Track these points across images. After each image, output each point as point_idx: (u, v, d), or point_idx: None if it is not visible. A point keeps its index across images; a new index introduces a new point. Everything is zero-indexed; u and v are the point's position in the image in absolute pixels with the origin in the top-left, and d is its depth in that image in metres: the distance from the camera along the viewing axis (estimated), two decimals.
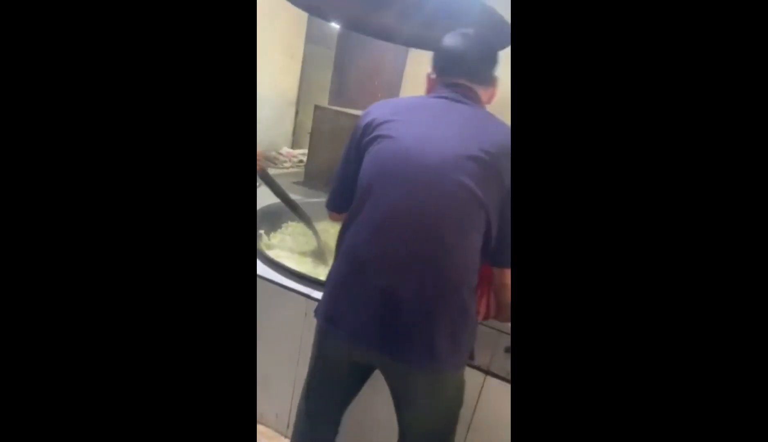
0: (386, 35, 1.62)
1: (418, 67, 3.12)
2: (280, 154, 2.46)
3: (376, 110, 0.81)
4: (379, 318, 0.72)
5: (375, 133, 0.78)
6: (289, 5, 1.58)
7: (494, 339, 1.09)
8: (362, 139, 0.80)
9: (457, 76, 0.82)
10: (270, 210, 1.58)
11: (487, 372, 1.01)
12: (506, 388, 1.00)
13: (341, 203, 0.85)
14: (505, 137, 0.75)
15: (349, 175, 0.81)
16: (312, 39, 2.84)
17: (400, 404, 0.84)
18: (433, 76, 0.86)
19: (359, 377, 0.88)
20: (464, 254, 0.74)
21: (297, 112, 2.86)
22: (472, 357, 0.82)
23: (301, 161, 2.40)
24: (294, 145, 2.79)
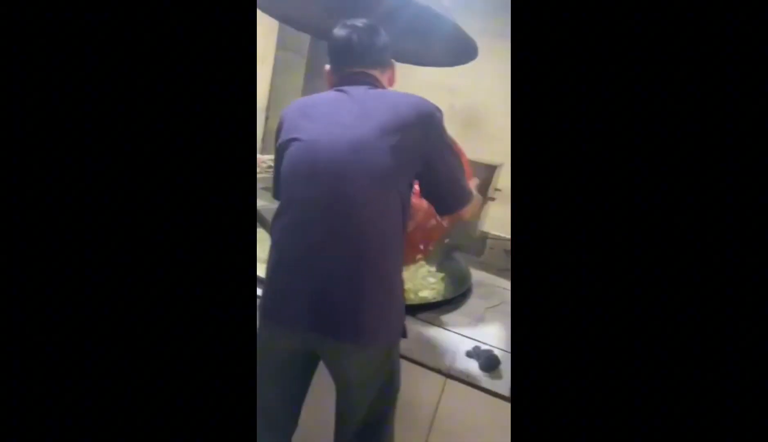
0: None
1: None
2: None
3: (287, 113, 0.88)
4: (309, 304, 0.79)
5: (286, 136, 0.84)
6: (261, 13, 1.59)
7: (455, 343, 1.14)
8: (278, 141, 0.87)
9: (349, 64, 0.88)
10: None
11: (448, 375, 1.05)
12: (468, 391, 1.04)
13: (277, 195, 0.93)
14: (404, 100, 0.82)
15: (279, 172, 0.89)
16: (283, 45, 2.84)
17: (338, 386, 0.89)
18: (328, 67, 0.92)
19: (305, 367, 0.92)
20: (384, 235, 0.79)
21: (267, 118, 2.84)
22: (404, 335, 0.88)
23: (270, 167, 2.38)
24: (263, 150, 2.77)
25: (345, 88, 0.85)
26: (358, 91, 0.84)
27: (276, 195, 0.93)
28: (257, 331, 0.88)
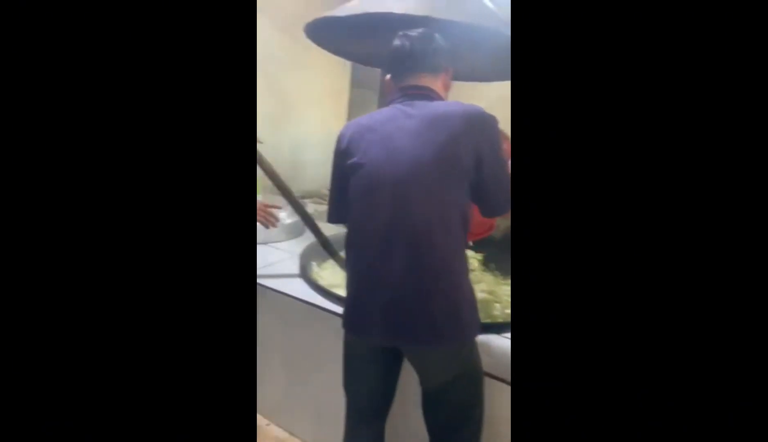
0: None
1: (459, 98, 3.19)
2: (328, 191, 2.59)
3: (345, 134, 0.93)
4: (385, 313, 0.85)
5: (347, 160, 0.90)
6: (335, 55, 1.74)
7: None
8: (342, 164, 0.92)
9: (406, 72, 0.92)
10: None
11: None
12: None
13: (338, 216, 0.99)
14: (457, 111, 0.85)
15: (341, 194, 0.94)
16: (357, 83, 3.04)
17: (421, 381, 0.94)
18: (387, 77, 0.96)
19: (389, 364, 0.98)
20: (449, 244, 0.85)
21: None
22: (479, 332, 0.92)
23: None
24: None
25: (403, 103, 0.90)
26: (415, 107, 0.88)
27: (336, 217, 1.00)
28: (343, 345, 0.97)
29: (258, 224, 1.30)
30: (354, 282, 0.92)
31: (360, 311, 0.90)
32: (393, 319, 0.84)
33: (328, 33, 1.53)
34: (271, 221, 1.32)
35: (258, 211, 1.26)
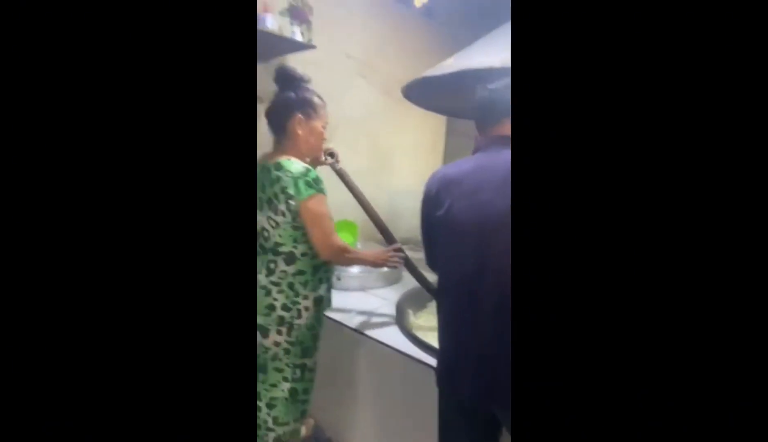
0: None
1: None
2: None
3: (434, 187, 0.94)
4: (479, 375, 0.83)
5: (438, 213, 0.91)
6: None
7: None
8: (430, 215, 0.94)
9: (490, 122, 0.94)
10: (416, 291, 1.70)
11: None
12: None
13: (430, 262, 1.02)
14: None
15: (430, 242, 0.97)
16: (452, 132, 3.12)
17: None
18: (476, 133, 0.98)
19: (485, 429, 0.93)
20: None
21: None
22: None
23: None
24: None
25: (487, 152, 0.92)
26: (501, 156, 0.88)
27: (430, 264, 1.03)
28: (438, 400, 0.96)
29: (389, 267, 1.40)
30: (444, 334, 0.91)
31: (451, 367, 0.89)
32: (485, 379, 0.82)
33: (423, 91, 1.63)
34: (400, 262, 1.38)
35: (387, 256, 1.35)
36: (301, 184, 1.13)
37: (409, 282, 1.79)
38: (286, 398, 1.22)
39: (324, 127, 1.26)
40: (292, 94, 1.21)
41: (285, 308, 1.18)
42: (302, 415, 1.28)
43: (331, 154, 1.39)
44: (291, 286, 1.18)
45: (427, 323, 1.54)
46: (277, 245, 1.17)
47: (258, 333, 1.19)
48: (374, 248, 1.48)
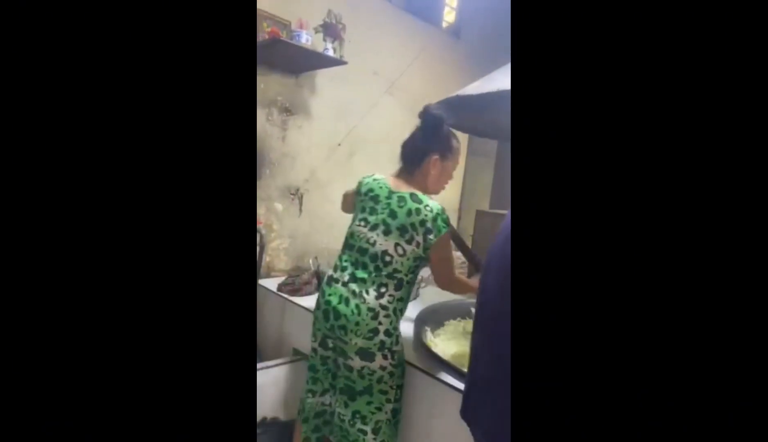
0: None
1: None
2: None
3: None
4: (498, 413, 0.76)
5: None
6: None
7: None
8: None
9: None
10: (434, 309, 1.69)
11: None
12: None
13: None
14: None
15: None
16: (473, 152, 3.14)
17: None
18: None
19: None
20: None
21: (459, 217, 3.08)
22: None
23: (463, 262, 2.51)
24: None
25: None
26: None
27: None
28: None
29: None
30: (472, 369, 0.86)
31: (466, 397, 0.86)
32: (486, 416, 0.78)
33: (448, 110, 1.66)
34: None
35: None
36: (440, 221, 1.20)
37: (428, 300, 1.79)
38: (389, 420, 1.23)
39: (454, 168, 1.34)
40: (434, 135, 1.28)
41: (387, 333, 1.19)
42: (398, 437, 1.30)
43: None
44: (395, 311, 1.21)
45: (443, 342, 1.53)
46: (396, 271, 1.20)
47: (358, 358, 1.18)
48: None
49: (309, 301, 1.78)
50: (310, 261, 2.00)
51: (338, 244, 1.34)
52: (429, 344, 1.42)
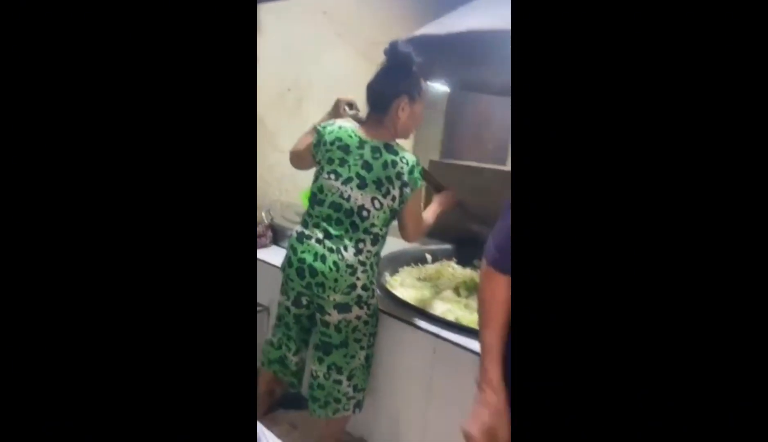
0: (485, 88, 1.76)
1: None
2: None
3: None
4: None
5: None
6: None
7: None
8: None
9: None
10: (392, 255, 1.74)
11: None
12: None
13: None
14: None
15: None
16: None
17: None
18: None
19: None
20: None
21: None
22: None
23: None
24: None
25: None
26: None
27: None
28: None
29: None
30: None
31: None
32: None
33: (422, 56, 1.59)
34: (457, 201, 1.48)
35: (451, 200, 1.43)
36: (416, 174, 1.17)
37: (386, 248, 1.81)
38: (362, 365, 1.25)
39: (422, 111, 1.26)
40: (402, 76, 1.19)
41: (364, 288, 1.18)
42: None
43: (350, 105, 1.35)
44: (372, 266, 1.20)
45: (400, 285, 1.58)
46: (372, 226, 1.17)
47: (336, 311, 1.17)
48: None
49: (264, 254, 1.74)
50: (263, 214, 1.93)
51: (291, 197, 1.28)
52: (388, 288, 1.47)
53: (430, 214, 1.34)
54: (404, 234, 1.27)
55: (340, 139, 1.20)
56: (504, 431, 0.67)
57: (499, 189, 2.03)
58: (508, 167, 2.83)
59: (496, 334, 0.68)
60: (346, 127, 1.23)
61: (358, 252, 1.17)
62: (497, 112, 3.13)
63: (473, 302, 1.43)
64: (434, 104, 3.28)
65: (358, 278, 1.17)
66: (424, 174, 1.37)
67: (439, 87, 2.56)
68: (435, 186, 1.44)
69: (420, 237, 1.33)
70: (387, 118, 1.20)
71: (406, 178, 1.16)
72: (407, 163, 1.16)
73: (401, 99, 1.18)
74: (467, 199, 2.00)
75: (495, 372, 0.67)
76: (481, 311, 0.70)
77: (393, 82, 1.19)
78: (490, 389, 0.67)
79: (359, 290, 1.17)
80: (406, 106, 1.20)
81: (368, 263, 1.19)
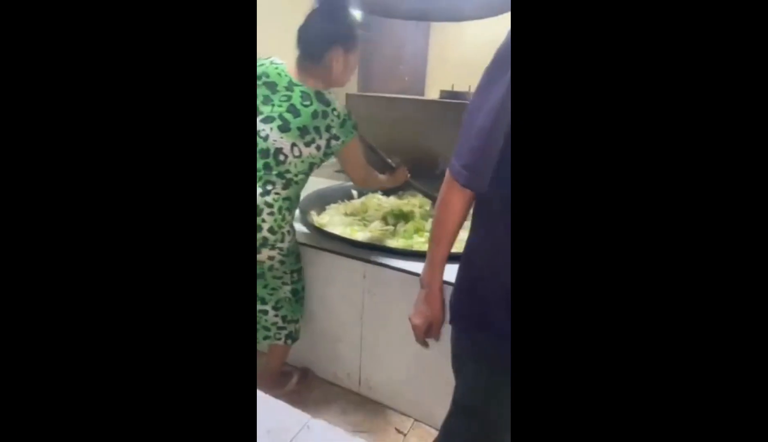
0: (391, 12, 1.73)
1: (441, 48, 3.16)
2: None
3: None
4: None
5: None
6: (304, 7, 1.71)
7: None
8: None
9: None
10: (318, 194, 1.74)
11: None
12: None
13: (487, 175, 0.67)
14: None
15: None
16: None
17: None
18: None
19: None
20: None
21: None
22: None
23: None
24: None
25: None
26: None
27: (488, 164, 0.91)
28: None
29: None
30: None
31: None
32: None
33: None
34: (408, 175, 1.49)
35: (404, 174, 1.44)
36: (348, 126, 1.12)
37: (309, 187, 1.79)
38: (289, 298, 1.26)
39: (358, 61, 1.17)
40: (336, 22, 1.07)
41: (271, 230, 1.13)
42: (303, 312, 1.35)
43: None
44: (280, 210, 1.13)
45: (329, 222, 1.60)
46: (287, 171, 1.12)
47: None
48: None
49: None
50: None
51: None
52: (317, 225, 1.48)
53: (380, 177, 1.36)
54: (353, 181, 1.30)
55: (267, 74, 1.12)
56: (438, 325, 0.83)
57: (419, 119, 2.08)
58: (425, 97, 2.87)
59: (446, 250, 0.75)
60: (279, 64, 1.14)
61: (265, 193, 1.12)
62: (412, 42, 3.09)
63: (401, 228, 1.51)
64: None
65: (264, 220, 1.11)
66: (371, 150, 1.37)
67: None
68: (382, 165, 1.41)
69: (369, 185, 1.36)
70: (318, 66, 1.12)
71: (336, 131, 1.12)
72: (338, 116, 1.12)
73: (335, 50, 1.09)
74: (387, 131, 2.02)
75: (438, 281, 0.80)
76: (437, 227, 0.74)
77: (326, 31, 1.09)
78: (432, 294, 0.80)
79: (265, 232, 1.12)
80: (341, 57, 1.11)
81: (276, 205, 1.12)
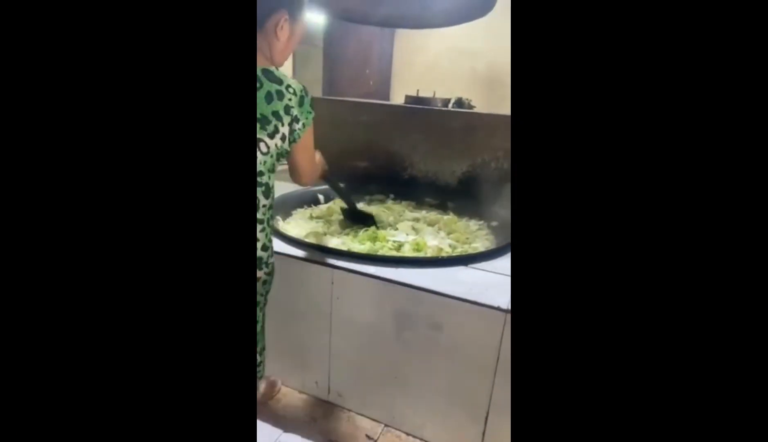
0: (362, 19, 1.73)
1: (406, 52, 3.19)
2: None
3: None
4: None
5: None
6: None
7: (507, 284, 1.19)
8: None
9: None
10: (282, 199, 1.70)
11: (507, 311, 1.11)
12: None
13: None
14: None
15: None
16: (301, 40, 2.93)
17: None
18: None
19: None
20: None
21: None
22: None
23: None
24: None
25: None
26: None
27: None
28: None
29: None
30: None
31: None
32: None
33: None
34: None
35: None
36: (307, 106, 0.95)
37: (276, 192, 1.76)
38: (261, 326, 1.10)
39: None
40: None
41: (264, 248, 0.99)
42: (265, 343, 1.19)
43: None
44: (268, 222, 0.98)
45: (294, 228, 1.57)
46: (261, 174, 0.93)
47: None
48: None
49: None
50: None
51: None
52: (282, 231, 1.45)
53: (319, 158, 1.22)
54: (297, 177, 1.07)
55: None
56: None
57: (384, 123, 2.08)
58: (390, 102, 2.89)
59: None
60: None
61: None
62: (378, 46, 3.10)
63: (365, 234, 1.50)
64: (312, 40, 3.11)
65: (257, 239, 0.98)
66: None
67: (316, 18, 2.42)
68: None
69: (314, 181, 1.19)
70: (261, 36, 0.95)
71: (296, 111, 0.93)
72: (295, 94, 0.93)
73: (280, 14, 0.93)
74: (353, 135, 2.01)
75: None
76: None
77: None
78: None
79: (260, 251, 0.99)
80: (286, 24, 0.95)
81: (265, 219, 0.98)
